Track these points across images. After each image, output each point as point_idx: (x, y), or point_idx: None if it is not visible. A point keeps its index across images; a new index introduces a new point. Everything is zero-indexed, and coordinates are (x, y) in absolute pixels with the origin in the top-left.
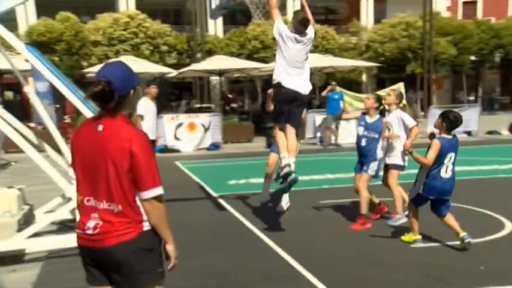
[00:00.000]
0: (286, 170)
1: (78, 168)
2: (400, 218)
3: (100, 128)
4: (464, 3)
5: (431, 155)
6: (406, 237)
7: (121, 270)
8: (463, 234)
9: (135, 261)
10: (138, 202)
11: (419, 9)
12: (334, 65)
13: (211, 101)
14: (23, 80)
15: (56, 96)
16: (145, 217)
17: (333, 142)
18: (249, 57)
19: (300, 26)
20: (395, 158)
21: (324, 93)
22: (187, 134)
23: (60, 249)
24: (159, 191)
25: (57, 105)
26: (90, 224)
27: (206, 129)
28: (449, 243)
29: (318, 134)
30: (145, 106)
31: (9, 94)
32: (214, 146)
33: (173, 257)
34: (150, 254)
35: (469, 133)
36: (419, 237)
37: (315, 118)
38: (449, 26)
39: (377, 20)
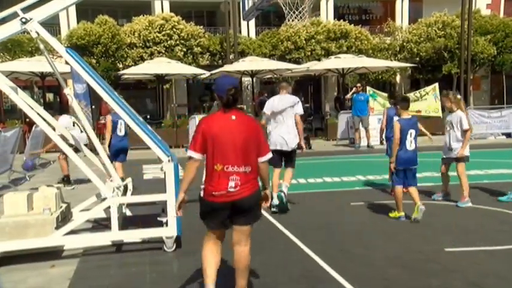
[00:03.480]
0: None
1: (216, 146)
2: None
3: (233, 117)
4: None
5: (396, 135)
6: (393, 214)
7: (245, 213)
8: (419, 203)
9: (255, 207)
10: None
11: (458, 8)
12: (367, 65)
13: (242, 101)
14: (63, 82)
15: (92, 98)
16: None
17: (365, 144)
18: (281, 58)
19: None
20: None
21: (348, 96)
22: None
23: (95, 246)
24: (270, 155)
25: (93, 106)
26: (231, 184)
27: None
28: (487, 248)
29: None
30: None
31: (49, 96)
32: None
33: (270, 198)
34: (259, 204)
35: (508, 135)
36: (403, 214)
37: (347, 119)
38: (489, 24)
39: (413, 20)
